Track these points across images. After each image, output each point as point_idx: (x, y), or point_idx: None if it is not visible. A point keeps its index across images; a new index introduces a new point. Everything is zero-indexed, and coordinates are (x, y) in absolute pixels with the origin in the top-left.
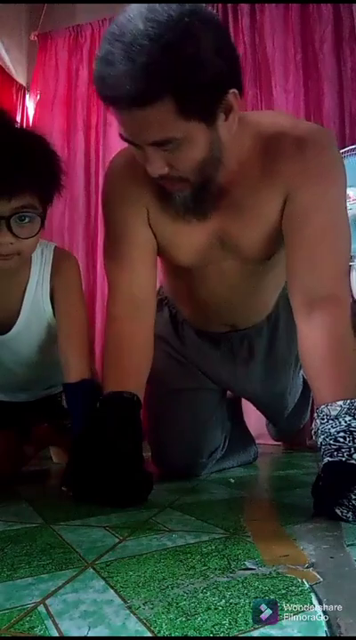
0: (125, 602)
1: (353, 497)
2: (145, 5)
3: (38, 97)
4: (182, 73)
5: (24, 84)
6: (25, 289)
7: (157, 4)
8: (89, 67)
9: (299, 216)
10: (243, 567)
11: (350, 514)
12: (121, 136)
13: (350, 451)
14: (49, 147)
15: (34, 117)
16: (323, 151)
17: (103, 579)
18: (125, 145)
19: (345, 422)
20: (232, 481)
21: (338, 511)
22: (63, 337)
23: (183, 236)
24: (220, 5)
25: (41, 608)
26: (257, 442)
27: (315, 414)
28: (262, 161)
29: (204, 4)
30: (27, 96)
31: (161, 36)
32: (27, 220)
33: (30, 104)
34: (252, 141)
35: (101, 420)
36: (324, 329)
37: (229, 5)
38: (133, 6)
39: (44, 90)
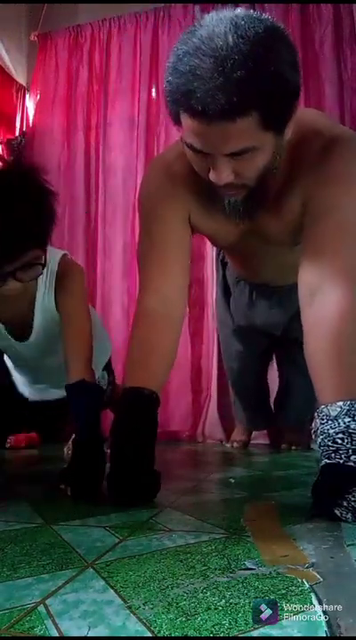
0: (125, 602)
1: (352, 498)
2: (224, 20)
3: (38, 97)
4: (269, 88)
5: (24, 84)
6: (35, 300)
7: (237, 18)
8: (89, 67)
9: (313, 215)
10: (243, 567)
11: (349, 514)
12: (190, 146)
13: (348, 453)
14: (42, 191)
15: (34, 117)
16: (348, 156)
17: (103, 579)
18: (126, 144)
19: (344, 424)
20: (232, 481)
21: (337, 512)
22: (65, 342)
23: (221, 232)
24: (220, 5)
25: (41, 608)
26: (255, 442)
27: (316, 414)
28: (290, 162)
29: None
30: (27, 96)
31: (252, 53)
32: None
33: (30, 104)
34: (290, 142)
35: (119, 415)
36: (328, 325)
37: (229, 6)
38: (212, 21)
39: (44, 90)
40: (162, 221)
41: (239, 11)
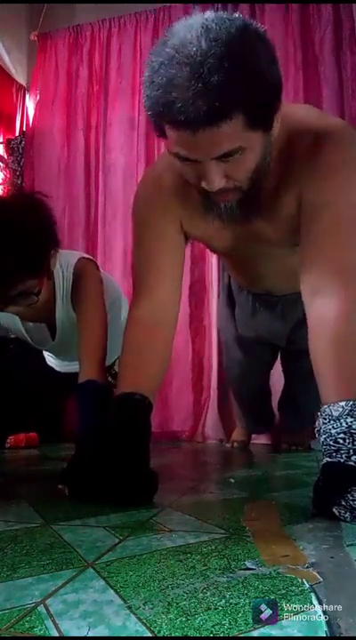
0: (125, 602)
1: (351, 497)
2: (195, 25)
3: (38, 97)
4: (250, 88)
5: (24, 84)
6: (54, 307)
7: (207, 21)
8: (89, 67)
9: (309, 212)
10: (243, 567)
11: (347, 514)
12: (177, 155)
13: (348, 452)
14: (42, 223)
15: (34, 117)
16: (339, 148)
17: (103, 579)
18: (126, 144)
19: (346, 424)
20: (232, 481)
21: (336, 511)
22: (79, 344)
23: (215, 237)
24: (219, 5)
25: (41, 608)
26: (255, 442)
27: (318, 413)
28: (282, 161)
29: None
30: (27, 96)
31: (227, 54)
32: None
33: (30, 104)
34: (279, 140)
35: (111, 420)
36: (330, 326)
37: (229, 5)
38: (183, 28)
39: (44, 90)
40: (154, 230)
41: (209, 14)
